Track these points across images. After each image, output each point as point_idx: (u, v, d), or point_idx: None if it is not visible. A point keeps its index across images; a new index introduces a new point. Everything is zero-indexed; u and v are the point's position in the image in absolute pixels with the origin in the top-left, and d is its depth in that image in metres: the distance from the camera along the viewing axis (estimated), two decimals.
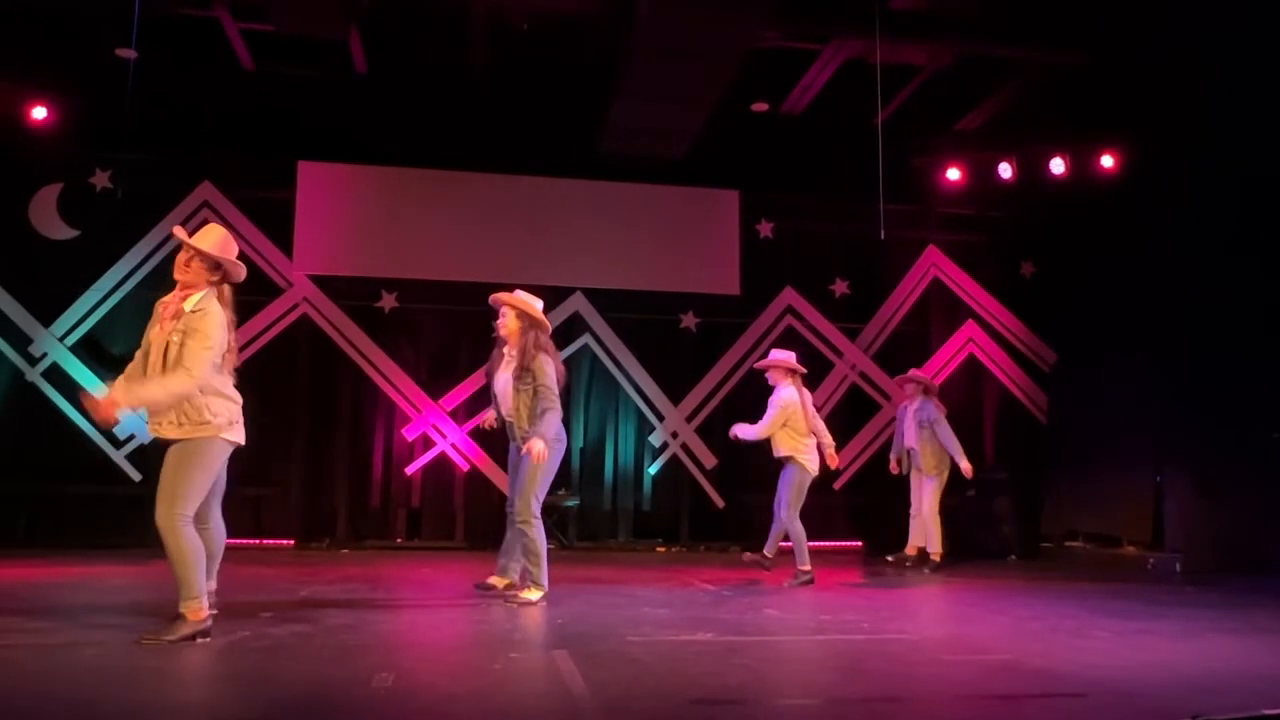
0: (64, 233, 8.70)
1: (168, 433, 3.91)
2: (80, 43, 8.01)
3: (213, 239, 4.07)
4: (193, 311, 3.94)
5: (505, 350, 5.44)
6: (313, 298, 9.02)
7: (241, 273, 4.12)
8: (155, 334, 3.99)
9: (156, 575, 6.10)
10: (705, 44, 7.14)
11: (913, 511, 7.86)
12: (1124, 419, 8.72)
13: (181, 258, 4.04)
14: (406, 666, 3.48)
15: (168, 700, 2.93)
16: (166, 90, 8.27)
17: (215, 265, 4.02)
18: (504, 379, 5.39)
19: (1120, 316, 8.92)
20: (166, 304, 4.05)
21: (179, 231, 4.13)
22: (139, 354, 4.08)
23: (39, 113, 8.36)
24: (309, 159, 9.02)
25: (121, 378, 4.08)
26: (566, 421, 9.38)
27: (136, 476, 8.32)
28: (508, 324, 5.38)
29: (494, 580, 5.42)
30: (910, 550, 7.83)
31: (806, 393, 6.68)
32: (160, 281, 8.58)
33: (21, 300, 8.52)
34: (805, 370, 6.79)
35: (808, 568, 6.46)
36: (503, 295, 5.47)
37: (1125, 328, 8.83)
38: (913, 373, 8.14)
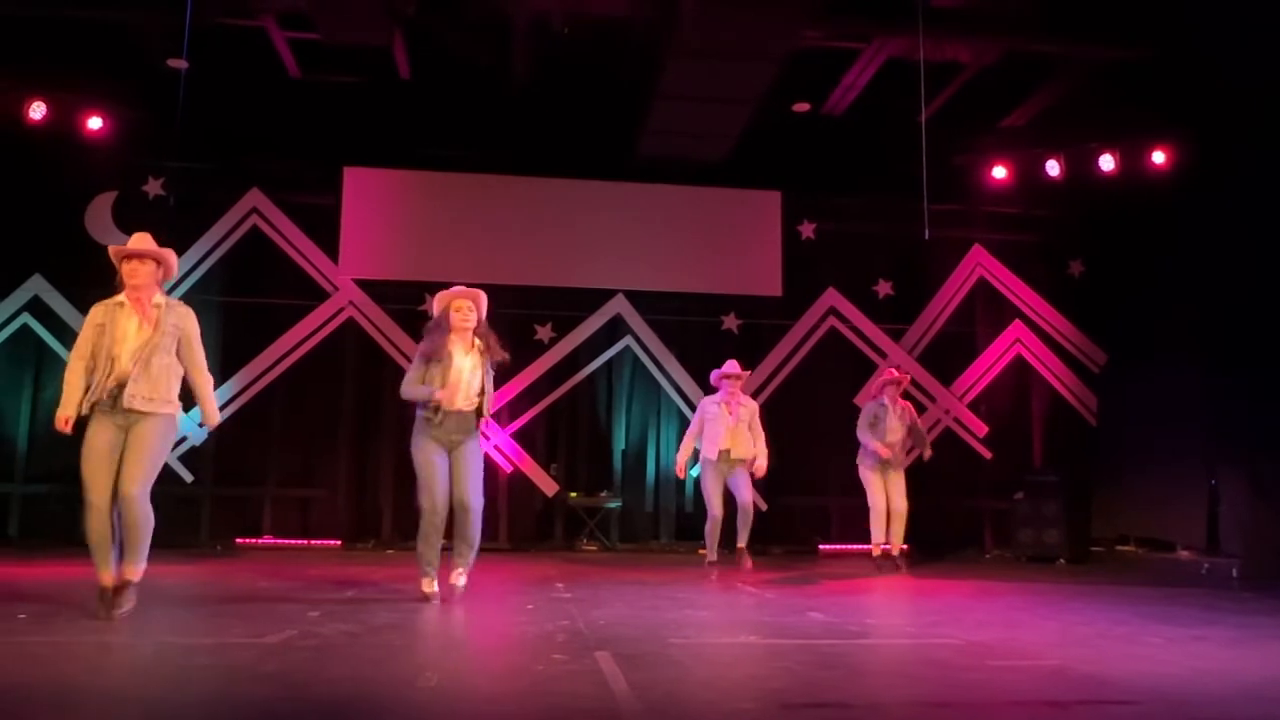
0: (119, 239, 8.89)
1: None
2: (133, 55, 8.22)
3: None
4: None
5: (456, 339, 5.10)
6: (358, 301, 9.15)
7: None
8: None
9: (210, 573, 6.23)
10: (747, 44, 7.13)
11: (897, 509, 7.51)
12: (1176, 420, 8.53)
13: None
14: (451, 667, 3.51)
15: (217, 698, 2.98)
16: (216, 99, 8.44)
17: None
18: (469, 367, 5.08)
19: (1172, 316, 8.74)
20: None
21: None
22: None
23: (94, 123, 8.59)
24: (354, 164, 9.17)
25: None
26: (609, 424, 9.55)
27: (188, 478, 8.49)
28: (478, 317, 5.15)
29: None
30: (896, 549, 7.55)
31: (729, 406, 7.06)
32: (211, 285, 8.85)
33: (78, 306, 8.72)
34: (741, 375, 7.24)
35: (706, 554, 7.07)
36: (473, 290, 5.20)
37: (1177, 327, 8.64)
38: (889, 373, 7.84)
